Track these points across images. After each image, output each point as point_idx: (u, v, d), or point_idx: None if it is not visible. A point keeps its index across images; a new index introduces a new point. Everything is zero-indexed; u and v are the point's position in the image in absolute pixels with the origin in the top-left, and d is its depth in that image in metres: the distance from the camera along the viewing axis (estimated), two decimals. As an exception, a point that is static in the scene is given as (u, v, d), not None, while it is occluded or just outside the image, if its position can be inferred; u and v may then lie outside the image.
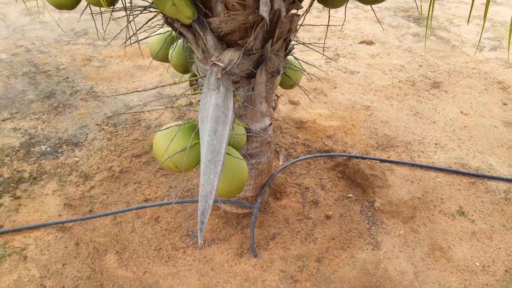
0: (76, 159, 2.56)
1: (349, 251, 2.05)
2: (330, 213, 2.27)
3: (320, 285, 1.88)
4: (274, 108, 2.05)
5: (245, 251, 2.05)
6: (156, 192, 2.39)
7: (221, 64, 1.46)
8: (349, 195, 2.39)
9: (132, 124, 2.91)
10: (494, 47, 4.48)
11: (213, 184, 1.25)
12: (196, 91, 1.58)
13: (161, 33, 2.01)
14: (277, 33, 1.43)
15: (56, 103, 3.12)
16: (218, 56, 1.48)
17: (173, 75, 3.59)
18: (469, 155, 2.77)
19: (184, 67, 2.06)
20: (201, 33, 1.35)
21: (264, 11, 1.17)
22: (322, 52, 3.42)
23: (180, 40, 1.90)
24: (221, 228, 2.17)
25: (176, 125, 1.48)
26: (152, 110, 2.39)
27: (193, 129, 1.48)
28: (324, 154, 2.65)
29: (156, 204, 2.20)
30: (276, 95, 2.04)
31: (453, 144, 2.88)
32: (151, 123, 2.93)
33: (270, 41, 1.42)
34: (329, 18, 1.56)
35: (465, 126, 3.10)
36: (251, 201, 2.18)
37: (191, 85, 1.99)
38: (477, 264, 2.00)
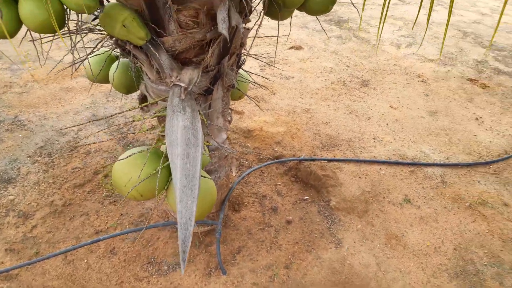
0: (11, 197, 2.31)
1: (315, 253, 2.10)
2: (290, 217, 2.30)
3: (293, 291, 1.90)
4: (229, 122, 2.04)
5: (213, 269, 2.01)
6: (106, 222, 2.24)
7: (182, 84, 1.41)
8: (305, 198, 2.44)
9: (69, 151, 2.71)
10: (409, 44, 4.88)
11: (192, 210, 1.20)
12: (156, 113, 1.51)
13: (98, 54, 1.90)
14: (231, 48, 1.42)
15: (-25, 137, 2.80)
16: (177, 76, 1.43)
17: (106, 95, 3.40)
18: (404, 146, 2.99)
19: (127, 88, 1.97)
20: (156, 53, 1.30)
21: (223, 28, 1.16)
22: (265, 61, 3.47)
23: (123, 60, 1.81)
24: (184, 250, 2.09)
25: (139, 152, 1.41)
26: (95, 142, 2.24)
27: (156, 154, 1.42)
28: (277, 160, 2.69)
29: (121, 233, 2.06)
30: (230, 108, 2.03)
31: (389, 137, 3.08)
32: (89, 149, 2.74)
33: (226, 57, 1.41)
34: (278, 30, 1.59)
35: (396, 120, 3.33)
36: (212, 218, 2.14)
37: (141, 109, 1.90)
38: (429, 246, 2.16)
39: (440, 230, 2.26)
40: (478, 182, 2.64)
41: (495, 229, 2.24)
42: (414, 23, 1.33)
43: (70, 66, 1.56)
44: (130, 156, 1.37)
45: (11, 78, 3.51)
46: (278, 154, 2.76)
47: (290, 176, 2.61)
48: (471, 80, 4.10)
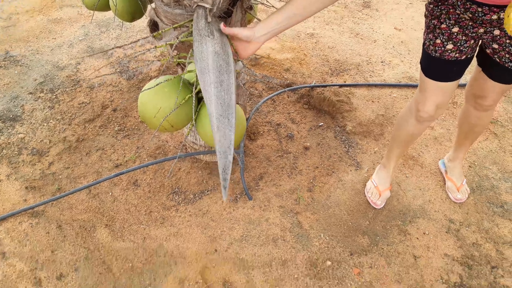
0: (21, 135, 2.24)
1: (335, 176, 2.15)
2: (308, 144, 2.32)
3: (319, 212, 1.97)
4: (245, 47, 1.95)
5: (239, 196, 2.04)
6: (124, 156, 2.22)
7: (206, 5, 1.31)
8: (320, 124, 2.45)
9: (72, 86, 2.59)
10: (409, -38, 4.65)
11: (230, 139, 1.18)
12: (180, 39, 1.42)
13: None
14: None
15: (-34, 75, 2.63)
16: (198, -4, 1.32)
17: (99, 25, 3.19)
18: (412, 68, 2.96)
19: (132, 14, 1.84)
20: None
21: None
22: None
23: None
24: (207, 179, 2.11)
25: (165, 81, 1.34)
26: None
27: (182, 82, 1.36)
28: (290, 88, 2.64)
29: (144, 165, 2.04)
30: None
31: (396, 60, 3.04)
32: (93, 82, 2.62)
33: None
34: None
35: (401, 42, 3.27)
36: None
37: (153, 36, 1.79)
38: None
39: (453, 149, 2.32)
40: (486, 101, 2.67)
41: (506, 145, 2.31)
42: None
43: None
44: (156, 85, 1.30)
45: (-9, 10, 3.23)
46: (288, 81, 2.71)
47: (302, 103, 2.59)
48: (473, -1, 4.00)
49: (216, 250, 1.80)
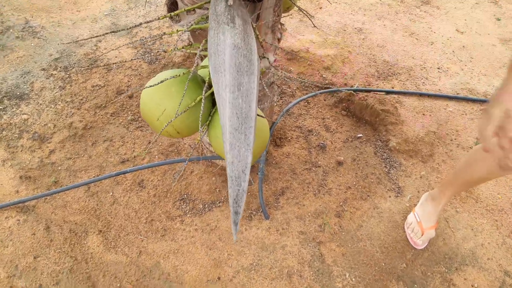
0: (24, 116, 2.04)
1: (371, 201, 1.82)
2: (341, 158, 1.99)
3: (347, 244, 1.65)
4: (279, 40, 1.64)
5: (254, 212, 1.76)
6: (133, 150, 1.97)
7: (229, -18, 1.01)
8: (359, 135, 2.11)
9: (88, 65, 2.36)
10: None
11: (246, 161, 0.88)
12: (193, 26, 1.12)
13: None
14: None
15: (-18, 44, 2.46)
16: (222, -29, 1.02)
17: (127, 0, 2.95)
18: (474, 79, 2.55)
19: None
20: None
21: None
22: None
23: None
24: (220, 188, 1.84)
25: (172, 77, 1.06)
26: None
27: (194, 80, 1.08)
28: (327, 90, 2.30)
29: (150, 165, 1.80)
30: (280, 22, 1.62)
31: (455, 67, 2.63)
32: (110, 63, 2.38)
33: None
34: None
35: (463, 46, 2.84)
36: (254, 154, 1.84)
37: (171, 18, 1.50)
38: (501, 199, 1.85)
39: (517, 183, 1.93)
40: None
41: None
42: None
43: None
44: (162, 82, 1.02)
45: (18, -25, 3.05)
46: (327, 82, 2.37)
47: (340, 108, 2.25)
48: (552, 2, 3.46)
49: (219, 278, 1.53)
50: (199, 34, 1.43)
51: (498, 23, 3.14)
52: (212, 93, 1.16)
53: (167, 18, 1.53)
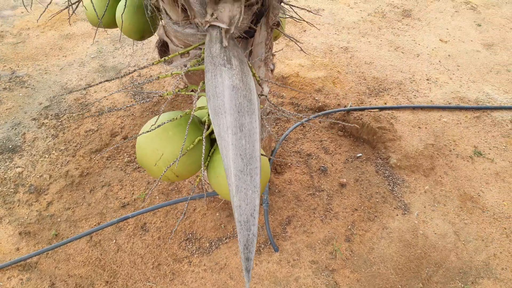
0: (19, 169, 1.99)
1: (379, 221, 1.79)
2: (344, 179, 1.97)
3: (361, 269, 1.62)
4: (272, 71, 1.65)
5: (263, 245, 1.72)
6: (132, 193, 1.94)
7: (222, 25, 1.01)
8: (358, 155, 2.10)
9: (79, 111, 2.34)
10: (451, -35, 4.24)
11: (254, 204, 0.87)
12: (189, 68, 1.11)
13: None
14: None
15: (-30, 99, 2.44)
16: (213, 14, 1.03)
17: (113, 41, 2.96)
18: (463, 87, 2.57)
19: (141, 32, 1.58)
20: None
21: None
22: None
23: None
24: (225, 223, 1.80)
25: (169, 121, 1.04)
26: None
27: (192, 122, 1.07)
28: (322, 113, 2.31)
29: (152, 208, 1.76)
30: (271, 54, 1.63)
31: (444, 77, 2.66)
32: (102, 106, 2.37)
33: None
34: None
35: (449, 55, 2.88)
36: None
37: (163, 59, 1.50)
38: (507, 206, 1.84)
39: (522, 188, 1.93)
40: (557, 127, 2.26)
41: None
42: None
43: (66, 8, 1.15)
44: (158, 126, 1.01)
45: (2, 26, 3.05)
46: (320, 104, 2.37)
47: (337, 129, 2.25)
48: (528, 4, 3.55)
49: (234, 320, 1.48)
50: (192, 73, 1.42)
51: (479, 29, 3.20)
52: (210, 133, 1.15)
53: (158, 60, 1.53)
